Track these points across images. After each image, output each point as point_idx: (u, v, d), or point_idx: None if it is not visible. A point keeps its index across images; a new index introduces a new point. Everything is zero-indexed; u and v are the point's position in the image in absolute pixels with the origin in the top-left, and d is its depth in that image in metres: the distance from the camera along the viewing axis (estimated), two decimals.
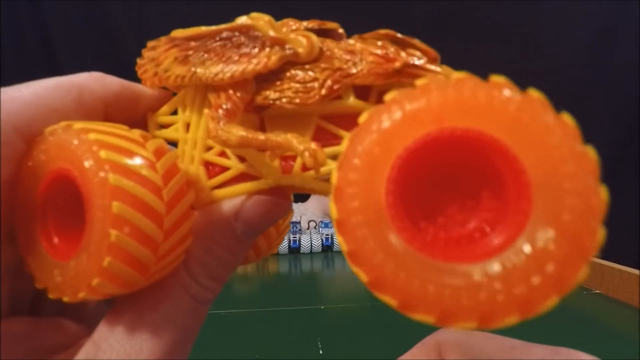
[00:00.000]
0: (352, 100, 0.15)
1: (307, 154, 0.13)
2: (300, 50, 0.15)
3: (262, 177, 0.15)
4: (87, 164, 0.13)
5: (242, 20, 0.17)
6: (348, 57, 0.15)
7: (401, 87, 0.14)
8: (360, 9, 1.36)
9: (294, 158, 0.15)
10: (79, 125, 0.14)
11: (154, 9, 1.35)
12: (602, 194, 0.10)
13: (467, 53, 1.36)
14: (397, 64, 0.15)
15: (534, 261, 0.09)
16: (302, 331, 0.56)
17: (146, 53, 0.18)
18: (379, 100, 0.14)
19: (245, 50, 0.16)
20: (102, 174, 0.12)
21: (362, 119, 0.12)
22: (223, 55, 0.16)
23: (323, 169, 0.14)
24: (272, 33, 0.16)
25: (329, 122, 0.16)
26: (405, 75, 0.15)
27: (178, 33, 0.17)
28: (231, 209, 0.15)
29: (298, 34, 0.16)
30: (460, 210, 0.12)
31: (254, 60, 0.15)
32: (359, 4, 1.35)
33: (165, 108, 0.18)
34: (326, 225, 0.91)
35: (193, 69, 0.16)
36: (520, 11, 1.32)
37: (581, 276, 0.10)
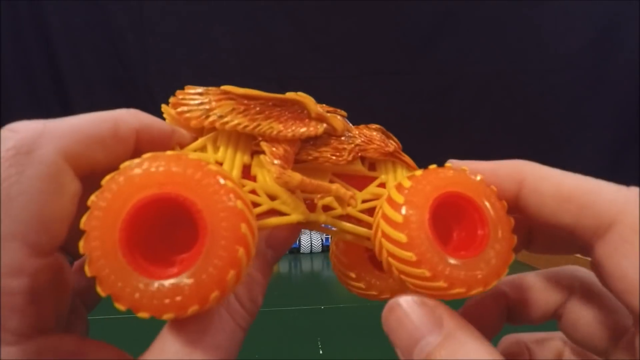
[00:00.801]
0: (359, 166, 0.22)
1: (352, 200, 0.20)
2: (337, 127, 0.21)
3: (291, 213, 0.19)
4: (213, 191, 0.15)
5: (293, 96, 0.20)
6: (363, 138, 0.22)
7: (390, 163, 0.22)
8: (360, 9, 1.36)
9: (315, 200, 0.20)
10: (194, 155, 0.17)
11: (154, 9, 1.35)
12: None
13: (467, 53, 1.37)
14: (391, 149, 0.22)
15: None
16: (302, 331, 0.56)
17: (188, 96, 0.20)
18: (370, 167, 0.22)
19: (298, 118, 0.20)
20: (231, 201, 0.15)
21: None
22: (280, 117, 0.20)
23: (349, 209, 0.20)
24: (319, 111, 0.21)
25: (338, 177, 0.21)
26: (390, 157, 0.22)
27: (231, 89, 0.19)
28: (262, 237, 0.17)
29: (332, 114, 0.21)
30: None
31: (307, 127, 0.20)
32: (359, 4, 1.35)
33: (193, 145, 0.20)
34: (326, 226, 0.91)
35: (257, 122, 0.19)
36: (520, 11, 1.32)
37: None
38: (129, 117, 0.16)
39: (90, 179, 0.14)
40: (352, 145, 0.21)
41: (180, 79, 1.49)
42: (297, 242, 0.89)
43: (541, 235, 0.17)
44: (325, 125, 0.21)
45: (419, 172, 0.19)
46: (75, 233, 0.14)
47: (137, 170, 0.15)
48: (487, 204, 0.16)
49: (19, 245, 0.12)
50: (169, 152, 0.16)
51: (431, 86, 1.38)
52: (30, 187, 0.12)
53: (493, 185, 0.16)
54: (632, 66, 1.27)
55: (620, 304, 0.13)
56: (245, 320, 0.16)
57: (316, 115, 0.21)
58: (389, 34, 1.37)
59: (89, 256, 0.14)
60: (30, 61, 1.32)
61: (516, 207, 0.14)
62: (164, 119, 0.21)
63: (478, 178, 0.17)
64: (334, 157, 0.21)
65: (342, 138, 0.21)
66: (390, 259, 0.17)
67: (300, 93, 0.21)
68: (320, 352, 0.49)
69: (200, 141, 0.20)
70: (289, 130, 0.19)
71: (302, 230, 0.95)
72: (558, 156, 1.28)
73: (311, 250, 0.90)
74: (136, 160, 0.15)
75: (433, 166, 0.19)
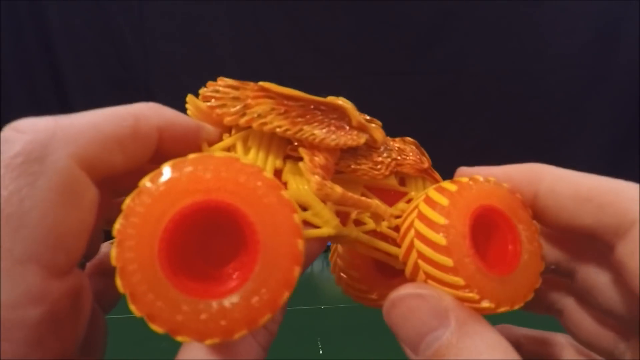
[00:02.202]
0: (393, 180, 0.21)
1: (391, 218, 0.19)
2: (377, 138, 0.20)
3: (323, 226, 0.18)
4: (269, 203, 0.14)
5: (335, 100, 0.19)
6: (399, 152, 0.21)
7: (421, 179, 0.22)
8: (360, 9, 1.36)
9: (347, 215, 0.19)
10: (247, 161, 0.15)
11: (154, 9, 1.35)
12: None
13: (467, 53, 1.37)
14: (426, 165, 0.21)
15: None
16: (302, 331, 0.56)
17: (222, 89, 0.19)
18: (401, 183, 0.21)
19: (339, 125, 0.19)
20: (288, 215, 0.14)
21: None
22: (322, 123, 0.18)
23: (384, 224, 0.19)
24: (360, 119, 0.19)
25: (370, 191, 0.20)
26: (424, 173, 0.21)
27: (270, 86, 0.19)
28: None
29: (373, 125, 0.20)
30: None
31: (349, 137, 0.19)
32: (359, 4, 1.35)
33: (222, 144, 0.18)
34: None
35: (299, 127, 0.18)
36: (520, 11, 1.32)
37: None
38: (150, 113, 0.14)
39: (107, 182, 0.13)
40: (390, 159, 0.20)
41: (180, 79, 1.50)
42: None
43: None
44: (366, 136, 0.19)
45: (452, 187, 0.17)
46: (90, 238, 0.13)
47: (183, 173, 0.13)
48: (520, 225, 0.15)
49: (36, 268, 0.10)
50: (218, 154, 0.15)
51: (431, 86, 1.38)
52: (43, 201, 0.10)
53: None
54: (632, 66, 1.27)
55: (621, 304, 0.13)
56: (268, 341, 0.15)
57: (357, 124, 0.19)
58: (389, 34, 1.37)
59: (122, 269, 0.12)
60: (30, 61, 1.32)
61: (534, 211, 0.14)
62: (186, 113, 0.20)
63: (506, 186, 0.16)
64: (373, 171, 0.19)
65: (381, 150, 0.20)
66: (427, 274, 0.16)
67: (342, 98, 0.19)
68: (320, 352, 0.49)
69: (230, 139, 0.18)
70: (332, 138, 0.18)
71: None
72: (558, 156, 1.28)
73: None
74: (180, 161, 0.14)
75: (464, 179, 0.18)
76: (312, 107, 0.18)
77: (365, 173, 0.19)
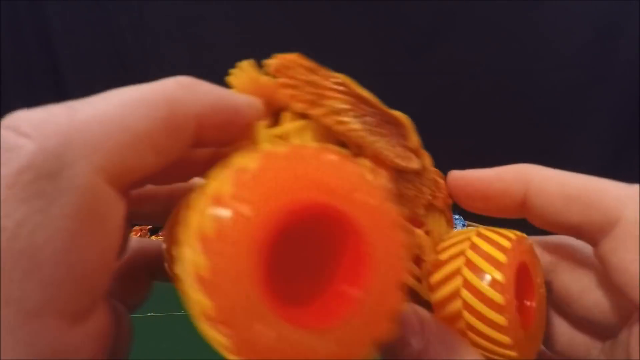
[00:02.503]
0: (422, 210, 0.19)
1: (432, 254, 0.17)
2: (427, 167, 0.19)
3: None
4: (385, 214, 0.12)
5: (401, 116, 0.18)
6: (435, 184, 0.20)
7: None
8: (360, 9, 1.35)
9: None
10: (366, 163, 0.13)
11: (154, 9, 1.35)
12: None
13: (467, 53, 1.36)
14: (450, 202, 0.20)
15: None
16: None
17: (298, 68, 0.15)
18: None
19: (402, 144, 0.18)
20: (401, 233, 0.12)
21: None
22: (391, 138, 0.17)
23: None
24: (417, 142, 0.19)
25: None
26: (448, 210, 0.20)
27: (351, 83, 0.17)
28: None
29: (423, 152, 0.19)
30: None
31: (409, 159, 0.18)
32: (359, 4, 1.35)
33: (278, 130, 0.15)
34: None
35: (376, 138, 0.16)
36: (520, 11, 1.32)
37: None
38: (187, 99, 0.11)
39: (132, 185, 0.10)
40: (429, 190, 0.19)
41: None
42: None
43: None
44: (420, 161, 0.18)
45: (506, 243, 0.16)
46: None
47: (279, 169, 0.10)
48: (536, 280, 0.15)
49: (53, 320, 0.07)
50: (310, 147, 0.12)
51: (431, 86, 1.38)
52: (60, 231, 0.07)
53: (501, 189, 0.15)
54: (632, 66, 1.27)
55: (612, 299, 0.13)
56: None
57: (414, 147, 0.18)
58: (389, 34, 1.36)
59: (213, 283, 0.09)
60: (30, 61, 1.32)
61: (523, 209, 0.14)
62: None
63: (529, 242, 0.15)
64: (416, 199, 0.18)
65: (424, 178, 0.19)
66: (470, 327, 0.14)
67: (404, 115, 0.18)
68: None
69: (288, 128, 0.15)
70: (398, 157, 0.16)
71: None
72: (558, 156, 1.28)
73: None
74: (271, 152, 0.11)
75: (512, 234, 0.16)
76: (383, 119, 0.17)
77: (409, 200, 0.18)
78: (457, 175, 0.17)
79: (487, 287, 0.14)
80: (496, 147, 1.37)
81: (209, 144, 0.12)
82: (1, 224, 0.07)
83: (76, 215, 0.08)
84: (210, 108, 0.11)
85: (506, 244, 0.15)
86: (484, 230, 0.17)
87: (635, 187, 0.12)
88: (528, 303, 0.15)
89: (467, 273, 0.15)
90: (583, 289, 0.15)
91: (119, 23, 1.36)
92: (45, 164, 0.07)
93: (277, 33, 1.41)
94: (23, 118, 0.08)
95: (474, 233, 0.17)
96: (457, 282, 0.15)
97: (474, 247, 0.16)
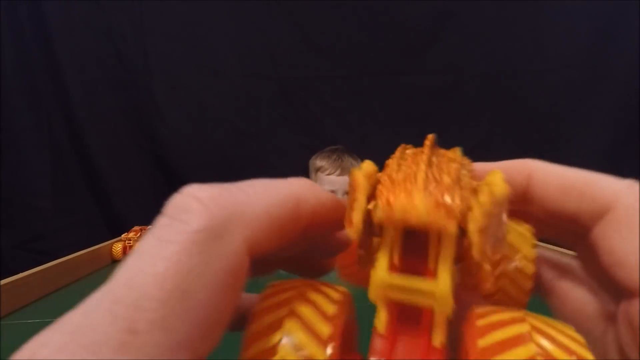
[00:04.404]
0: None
1: None
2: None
3: None
4: None
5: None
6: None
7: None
8: (360, 9, 1.36)
9: None
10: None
11: (154, 9, 1.35)
12: None
13: (467, 53, 1.37)
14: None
15: None
16: None
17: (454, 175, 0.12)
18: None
19: None
20: None
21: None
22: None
23: None
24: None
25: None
26: None
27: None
28: None
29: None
30: None
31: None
32: (359, 4, 1.35)
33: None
34: None
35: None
36: (520, 11, 1.32)
37: None
38: (308, 195, 0.13)
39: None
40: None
41: (180, 79, 1.49)
42: None
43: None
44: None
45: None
46: None
47: None
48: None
49: (189, 355, 0.09)
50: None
51: (431, 86, 1.38)
52: (213, 282, 0.09)
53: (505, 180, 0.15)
54: (632, 66, 1.28)
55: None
56: None
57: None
58: (389, 34, 1.37)
59: None
60: (30, 61, 1.32)
61: (524, 199, 0.15)
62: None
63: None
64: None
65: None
66: None
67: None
68: None
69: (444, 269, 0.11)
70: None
71: None
72: (558, 155, 1.27)
73: None
74: None
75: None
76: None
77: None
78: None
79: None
80: (496, 146, 1.37)
81: (314, 233, 0.13)
82: (178, 267, 0.09)
83: (227, 272, 0.10)
84: (321, 205, 0.13)
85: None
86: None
87: (627, 181, 0.13)
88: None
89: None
90: (573, 299, 0.16)
91: (119, 23, 1.36)
92: (215, 228, 0.10)
93: (277, 33, 1.42)
94: (201, 191, 0.10)
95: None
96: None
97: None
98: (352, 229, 0.11)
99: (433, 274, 0.10)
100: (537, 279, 0.17)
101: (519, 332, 0.10)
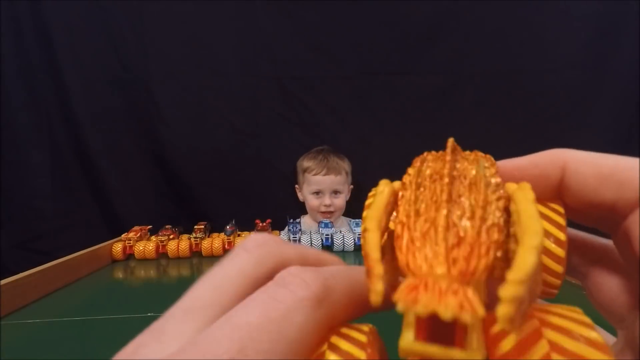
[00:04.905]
0: None
1: None
2: None
3: None
4: None
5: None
6: None
7: None
8: (359, 9, 1.36)
9: None
10: None
11: (154, 9, 1.35)
12: None
13: (467, 53, 1.37)
14: None
15: None
16: None
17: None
18: None
19: None
20: None
21: None
22: None
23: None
24: None
25: None
26: None
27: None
28: None
29: None
30: None
31: None
32: (359, 4, 1.35)
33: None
34: (326, 226, 0.92)
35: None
36: (520, 11, 1.32)
37: None
38: (339, 279, 0.14)
39: None
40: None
41: (180, 79, 1.49)
42: (298, 242, 0.89)
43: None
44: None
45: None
46: None
47: None
48: None
49: None
50: None
51: (431, 86, 1.38)
52: (297, 336, 0.12)
53: (537, 174, 0.15)
54: (632, 66, 1.28)
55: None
56: None
57: None
58: (389, 34, 1.37)
59: None
60: (30, 61, 1.32)
61: (559, 192, 0.14)
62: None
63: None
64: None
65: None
66: None
67: None
68: None
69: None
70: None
71: (302, 230, 0.95)
72: None
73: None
74: None
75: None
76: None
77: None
78: (499, 165, 0.17)
79: None
80: (496, 147, 1.37)
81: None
82: (285, 317, 0.11)
83: (304, 335, 0.12)
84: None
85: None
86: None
87: None
88: None
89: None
90: (609, 284, 0.15)
91: (118, 23, 1.36)
92: (312, 300, 0.12)
93: (276, 33, 1.42)
94: (308, 276, 0.13)
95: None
96: None
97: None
98: (374, 296, 0.10)
99: (461, 342, 0.09)
100: (573, 264, 0.17)
101: (531, 331, 0.10)
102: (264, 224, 0.95)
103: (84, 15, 1.34)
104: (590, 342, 0.10)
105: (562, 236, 0.14)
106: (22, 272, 0.60)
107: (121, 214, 1.38)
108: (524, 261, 0.09)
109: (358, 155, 1.36)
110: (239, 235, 0.91)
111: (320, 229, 0.92)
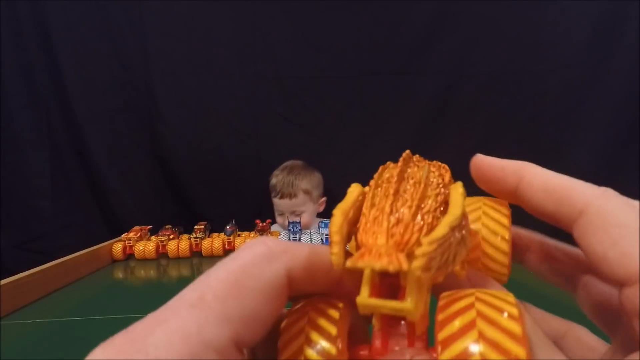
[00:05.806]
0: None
1: None
2: None
3: None
4: None
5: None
6: None
7: None
8: (360, 9, 1.36)
9: None
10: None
11: (154, 9, 1.35)
12: None
13: (467, 53, 1.37)
14: None
15: None
16: None
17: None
18: None
19: None
20: None
21: None
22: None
23: None
24: None
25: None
26: None
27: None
28: None
29: None
30: None
31: None
32: (359, 4, 1.35)
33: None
34: (326, 225, 0.92)
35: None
36: (520, 11, 1.32)
37: None
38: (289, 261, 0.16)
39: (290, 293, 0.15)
40: None
41: (180, 79, 1.49)
42: (297, 240, 0.90)
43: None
44: None
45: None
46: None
47: None
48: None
49: (229, 331, 0.12)
50: None
51: (431, 86, 1.38)
52: (260, 289, 0.13)
53: (501, 177, 0.17)
54: (632, 66, 1.28)
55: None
56: None
57: None
58: (389, 34, 1.37)
59: None
60: (30, 61, 1.32)
61: (514, 197, 0.17)
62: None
63: None
64: None
65: None
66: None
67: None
68: None
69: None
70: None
71: (303, 230, 0.95)
72: (558, 155, 1.28)
73: None
74: None
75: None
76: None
77: None
78: (479, 158, 0.19)
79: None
80: (496, 147, 1.37)
81: (301, 293, 0.16)
82: (240, 269, 0.13)
83: (270, 285, 0.14)
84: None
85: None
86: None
87: (602, 187, 0.15)
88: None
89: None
90: (595, 292, 0.17)
91: (118, 23, 1.36)
92: (268, 254, 0.14)
93: (276, 33, 1.42)
94: (269, 241, 0.15)
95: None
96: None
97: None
98: (334, 257, 0.13)
99: (403, 294, 0.12)
100: (565, 275, 0.18)
101: (466, 322, 0.12)
102: (264, 224, 0.95)
103: (84, 15, 1.34)
104: (509, 332, 0.12)
105: (505, 233, 0.17)
106: (22, 272, 0.60)
107: (121, 214, 1.38)
108: (437, 231, 0.12)
109: (357, 155, 1.36)
110: (239, 235, 0.91)
111: (320, 229, 0.92)
